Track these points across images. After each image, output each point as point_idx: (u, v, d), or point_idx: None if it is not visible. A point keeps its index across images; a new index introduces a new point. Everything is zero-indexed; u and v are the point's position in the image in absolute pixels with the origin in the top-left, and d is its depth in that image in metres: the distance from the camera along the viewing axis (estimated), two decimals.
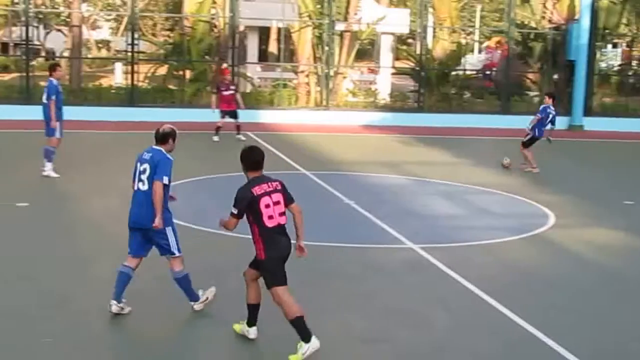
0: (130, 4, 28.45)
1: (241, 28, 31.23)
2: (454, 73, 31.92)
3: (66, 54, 39.99)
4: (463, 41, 34.08)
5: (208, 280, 8.75)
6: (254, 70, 33.92)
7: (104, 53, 56.37)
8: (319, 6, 29.77)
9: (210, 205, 13.61)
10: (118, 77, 36.03)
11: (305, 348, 6.96)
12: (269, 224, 7.34)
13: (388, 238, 11.69)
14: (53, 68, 15.69)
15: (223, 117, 21.33)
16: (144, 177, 7.82)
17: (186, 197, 14.59)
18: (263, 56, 39.24)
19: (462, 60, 32.54)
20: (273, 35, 39.19)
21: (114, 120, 25.56)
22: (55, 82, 15.30)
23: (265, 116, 27.49)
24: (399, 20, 33.28)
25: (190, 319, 8.12)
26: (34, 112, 25.31)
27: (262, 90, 30.77)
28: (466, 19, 42.95)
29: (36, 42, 39.46)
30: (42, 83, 31.02)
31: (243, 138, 21.01)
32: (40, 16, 46.35)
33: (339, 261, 10.51)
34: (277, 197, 7.40)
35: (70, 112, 25.63)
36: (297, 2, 29.83)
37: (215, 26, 30.78)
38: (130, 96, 27.70)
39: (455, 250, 11.27)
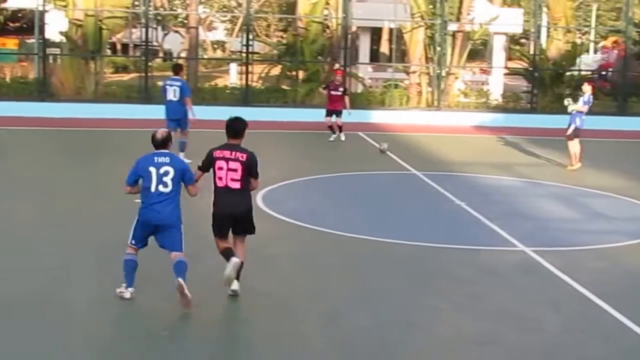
0: (245, 5, 28.98)
1: (353, 29, 31.38)
2: (568, 73, 31.28)
3: (183, 54, 41.04)
4: (578, 41, 33.29)
5: (317, 279, 8.87)
6: (365, 70, 34.01)
7: (219, 54, 57.50)
8: (431, 6, 29.67)
9: (322, 204, 13.81)
10: (233, 77, 36.72)
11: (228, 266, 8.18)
12: (218, 184, 8.54)
13: (499, 240, 11.62)
14: (180, 68, 17.72)
15: (329, 115, 21.53)
16: (167, 179, 8.36)
17: (299, 196, 14.86)
18: (374, 57, 39.29)
19: (577, 60, 31.84)
20: (385, 36, 39.20)
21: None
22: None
23: (376, 116, 27.58)
24: (512, 20, 32.80)
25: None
26: (152, 112, 26.26)
27: (373, 90, 30.85)
28: (581, 19, 41.97)
29: (155, 44, 40.54)
30: (160, 83, 32.06)
31: (343, 138, 21.11)
32: (159, 18, 47.70)
33: (450, 263, 10.51)
34: (235, 165, 8.45)
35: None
36: (410, 2, 29.79)
37: (328, 27, 31.05)
38: (245, 96, 28.21)
39: (569, 253, 11.11)
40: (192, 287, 8.07)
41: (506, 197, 15.23)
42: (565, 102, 18.64)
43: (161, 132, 8.54)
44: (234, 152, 8.50)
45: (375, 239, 11.35)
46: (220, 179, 8.50)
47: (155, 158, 8.49)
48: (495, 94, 31.24)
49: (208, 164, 8.56)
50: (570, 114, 18.25)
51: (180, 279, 8.00)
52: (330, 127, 21.41)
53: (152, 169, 8.41)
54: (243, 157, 8.50)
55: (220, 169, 8.46)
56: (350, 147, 20.62)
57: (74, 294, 8.60)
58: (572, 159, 18.15)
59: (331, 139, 21.20)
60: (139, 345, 7.34)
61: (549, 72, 30.46)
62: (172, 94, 16.73)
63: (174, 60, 46.97)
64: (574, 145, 18.19)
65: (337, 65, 25.50)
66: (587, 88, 18.54)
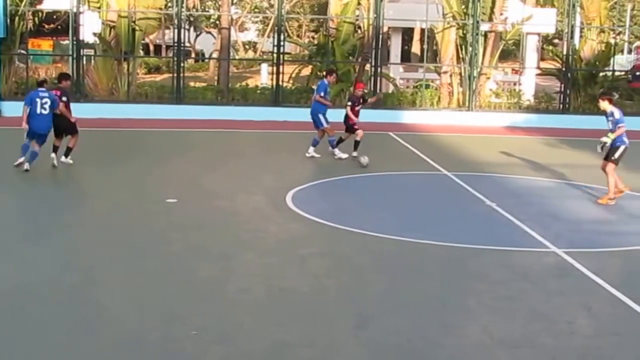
0: (277, 6, 29.04)
1: (385, 29, 31.33)
2: (602, 74, 31.00)
3: (215, 55, 41.22)
4: (612, 41, 32.97)
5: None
6: (396, 71, 33.97)
7: (250, 54, 57.69)
8: (463, 6, 29.55)
9: (353, 204, 13.80)
10: (264, 77, 36.84)
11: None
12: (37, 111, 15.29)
13: (531, 242, 11.54)
14: (330, 72, 19.59)
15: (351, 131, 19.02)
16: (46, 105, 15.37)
17: (329, 197, 14.84)
18: (406, 57, 39.25)
19: (611, 60, 31.56)
20: (416, 36, 39.13)
21: (259, 119, 26.18)
22: (326, 82, 19.00)
23: (407, 116, 27.55)
24: (546, 20, 32.58)
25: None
26: (185, 112, 26.43)
27: (404, 90, 30.80)
28: (616, 19, 41.54)
29: (187, 44, 40.77)
30: (192, 84, 32.24)
31: (365, 163, 17.43)
32: (191, 19, 47.97)
33: (482, 264, 10.46)
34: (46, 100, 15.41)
35: (218, 112, 26.63)
36: (442, 2, 29.69)
37: (360, 27, 31.04)
38: (275, 96, 28.27)
39: (602, 255, 11.01)
40: (233, 284, 8.07)
41: (538, 198, 15.13)
42: (599, 148, 15.11)
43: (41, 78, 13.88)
44: (51, 92, 15.70)
45: (406, 239, 11.32)
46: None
47: (41, 92, 15.45)
48: (528, 95, 31.05)
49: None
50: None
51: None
52: (340, 141, 18.72)
53: (37, 99, 15.26)
54: (54, 93, 15.70)
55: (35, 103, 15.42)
56: (381, 148, 20.59)
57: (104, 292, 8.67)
58: (613, 189, 14.63)
59: (343, 156, 18.41)
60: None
61: (582, 73, 30.22)
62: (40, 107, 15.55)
63: (206, 60, 47.23)
64: (612, 172, 14.75)
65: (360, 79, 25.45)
66: (605, 105, 15.18)
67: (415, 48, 40.34)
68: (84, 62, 28.24)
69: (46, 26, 43.26)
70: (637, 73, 36.96)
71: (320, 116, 18.58)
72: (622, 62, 40.77)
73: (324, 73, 20.72)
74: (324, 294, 8.91)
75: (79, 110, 24.61)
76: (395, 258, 10.59)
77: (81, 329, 7.59)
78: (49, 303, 8.30)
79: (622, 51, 44.99)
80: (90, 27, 28.23)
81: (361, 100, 19.03)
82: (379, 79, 28.76)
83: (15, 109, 19.05)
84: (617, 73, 33.25)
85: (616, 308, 8.77)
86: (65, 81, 16.73)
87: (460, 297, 8.99)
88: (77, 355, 7.02)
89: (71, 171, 16.22)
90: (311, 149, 18.61)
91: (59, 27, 36.50)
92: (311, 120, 18.92)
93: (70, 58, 27.66)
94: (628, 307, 8.71)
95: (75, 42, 27.41)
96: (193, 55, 48.98)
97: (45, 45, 41.38)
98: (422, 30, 34.31)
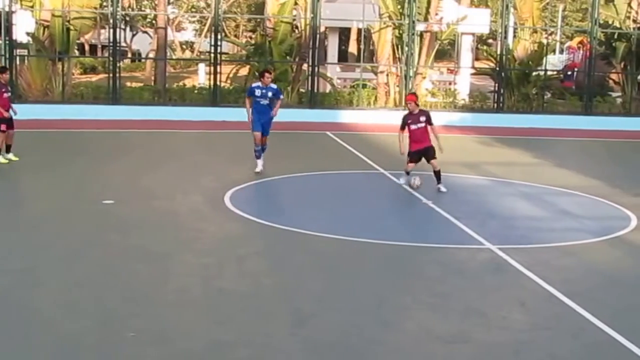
0: (214, 5, 28.94)
1: (322, 29, 31.45)
2: (534, 73, 31.58)
3: (152, 55, 40.88)
4: (544, 41, 33.60)
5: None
6: (333, 70, 34.12)
7: (188, 54, 57.32)
8: (399, 7, 29.80)
9: (290, 203, 13.83)
10: (201, 77, 36.66)
11: None
12: None
13: (467, 239, 11.70)
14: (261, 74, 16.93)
15: (416, 160, 15.86)
16: None
17: (267, 196, 14.86)
18: (343, 57, 39.41)
19: (544, 60, 32.17)
20: (353, 36, 39.32)
21: (197, 119, 26.06)
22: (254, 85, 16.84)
23: (344, 116, 27.70)
24: (480, 20, 33.09)
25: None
26: (121, 112, 26.17)
27: (341, 90, 30.95)
28: (548, 19, 42.28)
29: (123, 44, 40.31)
30: (129, 84, 31.91)
31: (444, 189, 15.12)
32: (127, 19, 47.48)
33: (418, 261, 10.58)
34: None
35: (155, 112, 26.43)
36: (378, 2, 29.91)
37: (297, 27, 31.10)
38: (214, 96, 28.17)
39: (535, 251, 11.20)
40: (171, 285, 8.02)
41: (474, 196, 15.35)
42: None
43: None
44: None
45: (344, 237, 11.38)
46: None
47: None
48: (463, 94, 31.49)
49: None
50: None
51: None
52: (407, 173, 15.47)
53: None
54: None
55: None
56: (318, 147, 20.68)
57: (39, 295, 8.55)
58: None
59: (408, 183, 15.29)
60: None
61: (516, 72, 30.74)
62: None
63: (143, 60, 46.83)
64: None
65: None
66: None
67: (352, 48, 40.55)
68: (18, 62, 27.76)
69: None
70: (569, 73, 37.71)
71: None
72: (554, 62, 41.55)
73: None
74: (261, 293, 8.91)
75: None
76: (332, 256, 10.64)
77: (11, 333, 7.46)
78: None
79: (554, 51, 45.86)
80: (23, 27, 27.77)
81: (420, 118, 15.13)
82: (316, 78, 28.85)
83: None
84: (549, 72, 33.87)
85: (550, 303, 8.93)
86: (2, 74, 16.53)
87: (397, 294, 9.08)
88: None
89: (4, 172, 15.94)
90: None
91: None
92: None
93: (3, 58, 27.17)
94: (561, 302, 8.88)
95: (8, 42, 26.93)
96: (129, 55, 48.46)
97: None
98: (359, 30, 34.51)
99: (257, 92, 16.42)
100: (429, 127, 15.13)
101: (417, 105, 15.37)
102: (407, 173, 15.25)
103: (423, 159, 15.21)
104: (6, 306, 8.16)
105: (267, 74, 16.57)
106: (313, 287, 9.18)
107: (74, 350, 7.11)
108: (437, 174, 15.07)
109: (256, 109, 16.42)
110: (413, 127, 15.06)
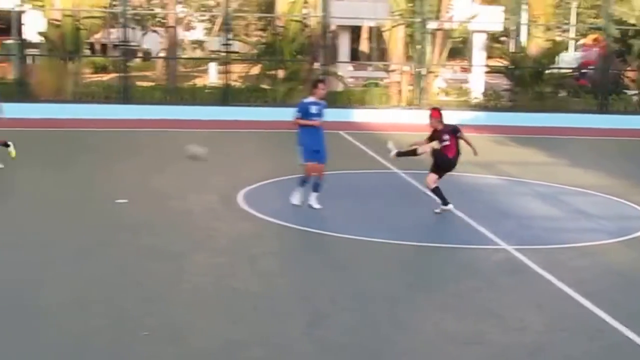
0: (224, 4, 28.88)
1: (333, 27, 31.38)
2: (548, 71, 31.41)
3: (162, 54, 40.85)
4: (558, 39, 33.42)
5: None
6: (345, 69, 34.03)
7: (198, 53, 57.33)
8: (411, 4, 29.69)
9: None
10: (212, 76, 36.64)
11: None
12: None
13: (482, 239, 11.59)
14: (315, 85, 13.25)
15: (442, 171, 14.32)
16: None
17: (280, 196, 14.72)
18: (354, 55, 39.32)
19: (557, 58, 31.97)
20: (364, 34, 39.22)
21: (208, 119, 26.01)
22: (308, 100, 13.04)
23: (356, 115, 27.59)
24: (493, 18, 32.95)
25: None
26: (131, 112, 26.16)
27: (353, 89, 30.86)
28: (561, 16, 42.10)
29: (133, 44, 40.36)
30: (139, 83, 31.92)
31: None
32: (137, 18, 47.51)
33: (433, 262, 10.49)
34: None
35: (166, 111, 26.42)
36: (389, 1, 29.81)
37: (307, 26, 31.03)
38: (224, 95, 28.12)
39: (551, 252, 11.09)
40: (185, 284, 7.96)
41: (489, 195, 15.23)
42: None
43: None
44: None
45: (358, 238, 11.30)
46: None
47: None
48: (476, 92, 31.33)
49: None
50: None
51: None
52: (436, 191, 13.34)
53: None
54: None
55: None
56: (332, 146, 20.55)
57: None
58: None
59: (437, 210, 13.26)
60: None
61: (529, 70, 30.56)
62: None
63: (153, 60, 46.84)
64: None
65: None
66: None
67: (364, 46, 40.47)
68: (29, 62, 27.80)
69: None
70: (583, 70, 37.51)
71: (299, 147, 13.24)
72: (568, 60, 41.34)
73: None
74: (275, 293, 8.84)
75: (25, 111, 24.40)
76: (347, 257, 10.55)
77: (24, 332, 7.41)
78: None
79: (567, 49, 45.65)
80: (34, 27, 27.81)
81: (444, 136, 13.23)
82: (328, 77, 28.77)
83: None
84: (563, 70, 33.68)
85: (566, 303, 8.83)
86: None
87: (411, 294, 8.98)
88: None
89: (16, 171, 15.89)
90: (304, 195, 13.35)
91: (2, 26, 35.92)
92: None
93: (15, 58, 27.18)
94: (577, 303, 8.77)
95: (19, 42, 26.93)
96: (140, 54, 48.50)
97: None
98: (370, 29, 34.43)
99: (314, 109, 12.91)
100: (457, 141, 13.18)
101: (441, 122, 13.31)
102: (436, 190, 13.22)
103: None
104: (19, 305, 8.12)
105: (321, 85, 13.10)
106: (327, 287, 9.10)
107: (87, 349, 7.05)
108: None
109: (307, 131, 12.90)
110: (436, 146, 13.29)
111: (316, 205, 12.96)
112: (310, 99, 12.97)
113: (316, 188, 13.08)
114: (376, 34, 32.03)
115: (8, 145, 16.04)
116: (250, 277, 9.42)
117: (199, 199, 13.77)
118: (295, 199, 13.18)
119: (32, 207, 13.22)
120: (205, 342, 7.31)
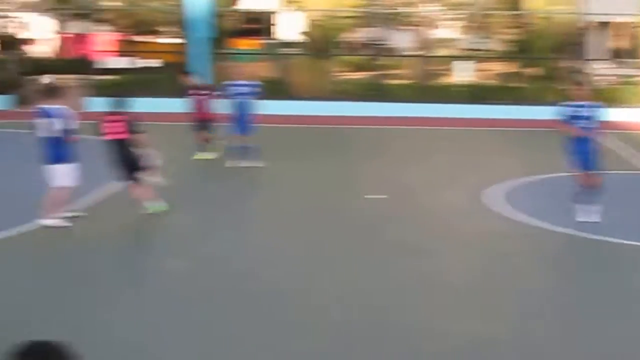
0: (475, 2, 28.81)
1: (589, 23, 30.45)
2: None
3: (412, 52, 41.31)
4: None
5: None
6: (600, 66, 32.88)
7: (447, 51, 57.33)
8: None
9: (549, 204, 13.43)
10: (459, 74, 36.60)
11: None
12: None
13: None
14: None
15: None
16: None
17: (539, 195, 14.45)
18: (611, 52, 37.88)
19: None
20: (623, 31, 37.66)
21: (458, 117, 25.97)
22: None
23: (612, 114, 26.60)
24: None
25: None
26: (385, 109, 26.64)
27: (609, 87, 29.77)
28: None
29: (386, 42, 41.07)
30: (390, 81, 32.46)
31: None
32: (390, 17, 48.35)
33: None
34: None
35: (416, 109, 26.71)
36: None
37: (562, 22, 30.28)
38: (475, 93, 28.02)
39: None
40: (437, 279, 8.11)
41: None
42: None
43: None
44: None
45: (616, 240, 10.99)
46: None
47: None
48: None
49: None
50: None
51: None
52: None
53: None
54: None
55: None
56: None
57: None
58: None
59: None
60: None
61: None
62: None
63: (403, 57, 47.41)
64: None
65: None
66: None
67: (621, 43, 38.87)
68: (287, 60, 29.11)
69: (250, 26, 44.96)
70: None
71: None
72: None
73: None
74: (527, 292, 8.84)
75: (286, 108, 25.32)
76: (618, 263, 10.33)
77: (288, 321, 8.03)
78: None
79: None
80: (292, 27, 29.09)
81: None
82: (583, 76, 27.97)
83: None
84: None
85: None
86: None
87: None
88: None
89: (276, 166, 16.46)
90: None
91: (262, 27, 37.88)
92: None
93: (274, 57, 28.53)
94: None
95: (278, 42, 28.27)
96: (391, 52, 49.26)
97: (250, 44, 42.86)
98: (619, 25, 33.07)
99: (578, 113, 11.98)
100: None
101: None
102: None
103: None
104: (282, 297, 8.67)
105: (581, 85, 12.52)
106: (583, 292, 8.97)
107: (344, 339, 7.50)
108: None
109: (574, 139, 11.98)
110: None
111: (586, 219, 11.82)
112: (572, 101, 12.10)
113: (583, 199, 11.94)
114: (626, 30, 30.61)
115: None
116: (505, 275, 9.45)
117: (446, 195, 13.86)
118: (583, 216, 11.95)
119: (286, 202, 13.58)
120: (455, 340, 7.49)
